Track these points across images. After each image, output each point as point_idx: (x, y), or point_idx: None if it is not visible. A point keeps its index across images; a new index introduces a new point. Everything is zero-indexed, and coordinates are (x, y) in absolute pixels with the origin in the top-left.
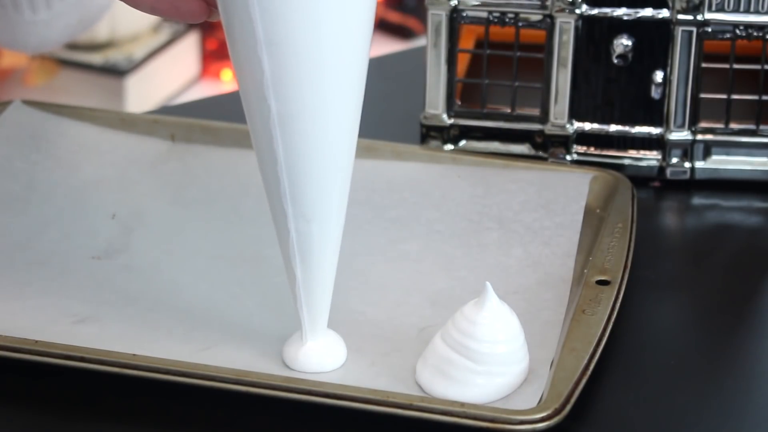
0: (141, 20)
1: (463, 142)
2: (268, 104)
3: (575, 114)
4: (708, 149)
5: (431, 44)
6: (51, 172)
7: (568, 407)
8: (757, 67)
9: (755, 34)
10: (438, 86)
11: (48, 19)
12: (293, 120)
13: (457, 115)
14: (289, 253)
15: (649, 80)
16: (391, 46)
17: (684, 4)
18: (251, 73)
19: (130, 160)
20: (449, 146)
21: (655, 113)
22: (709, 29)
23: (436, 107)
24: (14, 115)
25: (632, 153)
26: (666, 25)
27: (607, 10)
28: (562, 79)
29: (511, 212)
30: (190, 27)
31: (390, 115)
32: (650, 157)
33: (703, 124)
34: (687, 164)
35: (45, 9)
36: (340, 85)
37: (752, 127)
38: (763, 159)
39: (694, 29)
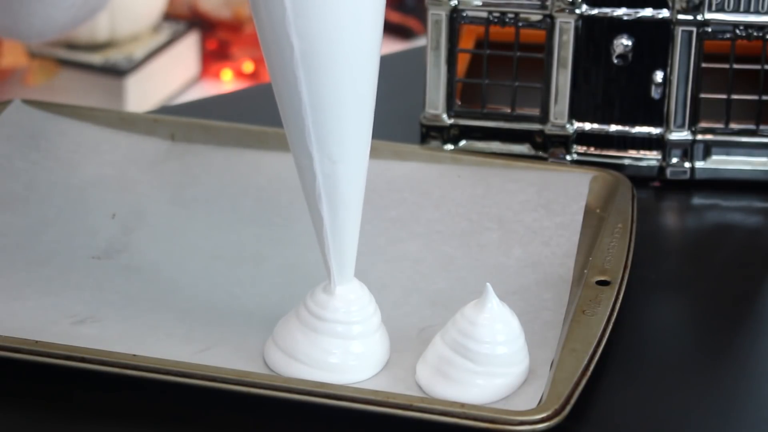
0: (141, 20)
1: (463, 142)
2: (291, 42)
3: (575, 114)
4: (708, 149)
5: (431, 44)
6: (51, 172)
7: (568, 408)
8: (757, 67)
9: (755, 34)
10: (438, 86)
11: None
12: (317, 57)
13: (457, 115)
14: (315, 197)
15: (649, 80)
16: (391, 46)
17: (684, 4)
18: (272, 12)
19: (129, 159)
20: (449, 146)
21: (655, 113)
22: (709, 29)
23: (436, 107)
24: (14, 114)
25: (632, 153)
26: (666, 25)
27: (607, 10)
28: (562, 79)
29: (511, 212)
30: (190, 27)
31: (390, 115)
32: (650, 157)
33: (703, 124)
34: (687, 164)
35: None
36: (362, 18)
37: (752, 127)
38: (763, 159)
39: (694, 29)
